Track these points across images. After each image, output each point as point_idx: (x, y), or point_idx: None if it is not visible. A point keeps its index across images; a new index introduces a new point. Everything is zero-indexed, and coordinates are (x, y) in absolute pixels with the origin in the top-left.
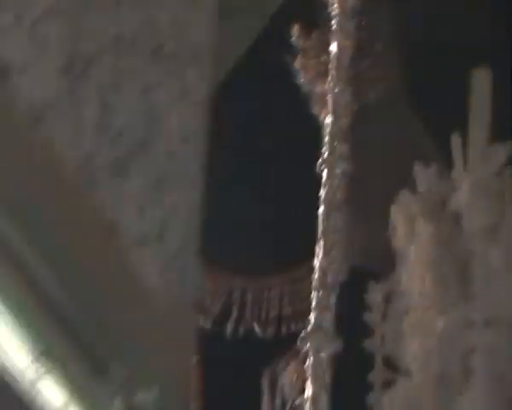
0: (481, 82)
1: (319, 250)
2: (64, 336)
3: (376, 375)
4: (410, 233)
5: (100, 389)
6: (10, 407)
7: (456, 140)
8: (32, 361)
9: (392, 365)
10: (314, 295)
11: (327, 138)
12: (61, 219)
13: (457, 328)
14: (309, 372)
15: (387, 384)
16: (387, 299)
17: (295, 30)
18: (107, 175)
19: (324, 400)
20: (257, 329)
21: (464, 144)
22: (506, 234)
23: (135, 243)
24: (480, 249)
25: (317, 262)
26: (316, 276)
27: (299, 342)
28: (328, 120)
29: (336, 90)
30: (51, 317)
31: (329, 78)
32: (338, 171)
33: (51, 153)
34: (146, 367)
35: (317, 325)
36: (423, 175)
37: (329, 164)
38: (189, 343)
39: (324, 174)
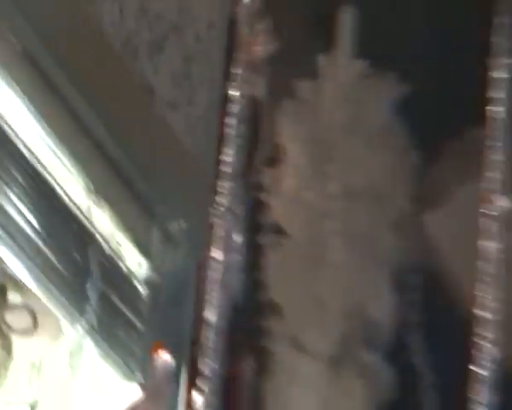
0: (347, 17)
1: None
2: (113, 178)
3: (266, 239)
4: (290, 132)
5: (141, 221)
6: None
7: (322, 58)
8: (86, 197)
9: (279, 231)
10: (221, 184)
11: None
12: (111, 85)
13: (320, 199)
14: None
15: (275, 247)
16: (278, 181)
17: None
18: (146, 51)
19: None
20: None
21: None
22: (363, 127)
23: (169, 106)
24: (342, 138)
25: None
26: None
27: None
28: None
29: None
30: (103, 162)
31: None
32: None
33: (97, 28)
34: (177, 205)
35: (226, 208)
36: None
37: (240, 88)
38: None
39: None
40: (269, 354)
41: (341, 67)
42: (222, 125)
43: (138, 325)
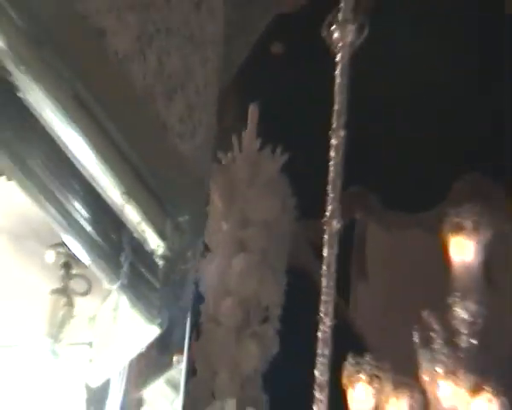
0: (253, 109)
1: None
2: (139, 186)
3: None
4: (213, 185)
5: (159, 214)
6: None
7: (234, 138)
8: (121, 198)
9: (206, 248)
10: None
11: None
12: (137, 121)
13: (231, 226)
14: None
15: (203, 257)
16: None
17: None
18: (162, 99)
19: None
20: None
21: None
22: (259, 181)
23: (178, 137)
24: (245, 188)
25: None
26: None
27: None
28: None
29: None
30: (133, 175)
31: None
32: None
33: (128, 83)
34: (184, 204)
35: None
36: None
37: None
38: (204, 189)
39: None
40: (200, 327)
41: (246, 142)
42: None
43: (157, 285)
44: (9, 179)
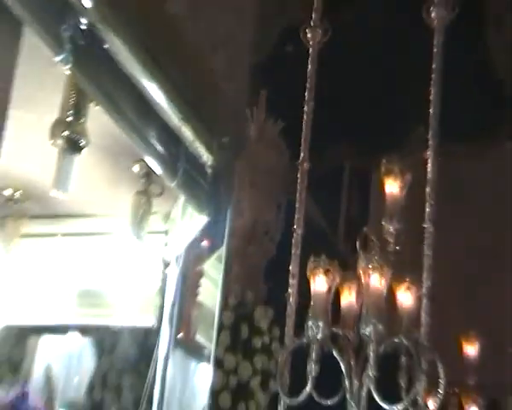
0: (263, 95)
1: None
2: (191, 114)
3: None
4: None
5: (208, 134)
6: (169, 139)
7: (248, 112)
8: (179, 122)
9: None
10: None
11: None
12: (191, 65)
13: (247, 171)
14: None
15: None
16: None
17: None
18: (209, 50)
19: None
20: None
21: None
22: (267, 141)
23: (221, 78)
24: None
25: None
26: None
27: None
28: None
29: None
30: (188, 107)
31: None
32: None
33: (184, 38)
34: (226, 129)
35: None
36: None
37: None
38: (242, 117)
39: None
40: None
41: (257, 115)
42: None
43: (205, 186)
44: (97, 105)
